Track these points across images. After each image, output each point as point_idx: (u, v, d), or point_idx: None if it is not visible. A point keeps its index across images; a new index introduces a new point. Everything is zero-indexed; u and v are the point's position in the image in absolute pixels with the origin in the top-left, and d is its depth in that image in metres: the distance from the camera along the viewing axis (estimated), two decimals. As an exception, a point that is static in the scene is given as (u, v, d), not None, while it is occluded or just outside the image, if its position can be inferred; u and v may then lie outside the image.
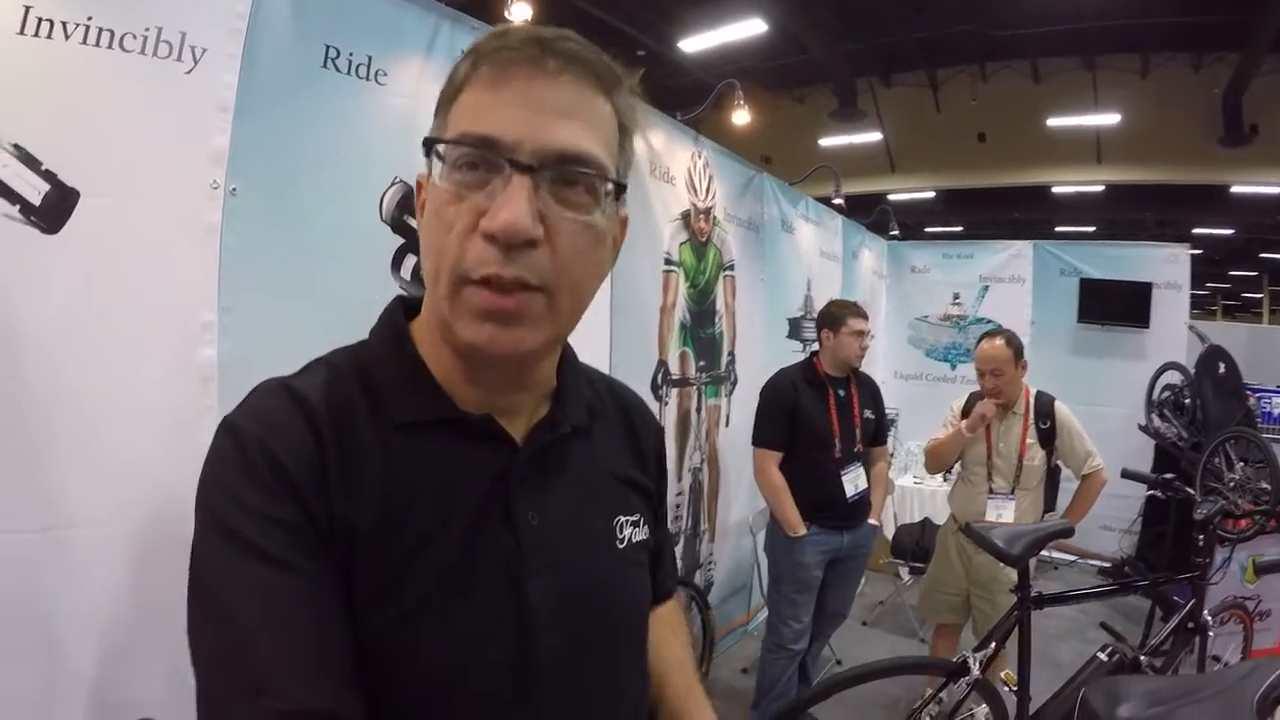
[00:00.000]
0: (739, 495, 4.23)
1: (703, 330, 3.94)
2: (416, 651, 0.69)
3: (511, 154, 0.66)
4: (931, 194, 16.15)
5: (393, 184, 2.14)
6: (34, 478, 1.53)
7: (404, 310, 0.83)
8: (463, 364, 0.76)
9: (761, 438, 3.34)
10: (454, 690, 0.71)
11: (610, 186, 0.72)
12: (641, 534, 0.89)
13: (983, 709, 3.09)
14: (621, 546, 0.86)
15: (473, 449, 0.76)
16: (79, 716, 1.57)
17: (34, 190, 1.53)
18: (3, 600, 1.48)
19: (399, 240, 2.16)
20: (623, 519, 0.87)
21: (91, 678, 1.59)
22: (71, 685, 1.56)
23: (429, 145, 0.71)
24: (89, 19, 1.58)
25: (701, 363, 3.93)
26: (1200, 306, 24.61)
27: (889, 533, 5.14)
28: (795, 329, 4.95)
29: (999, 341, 3.29)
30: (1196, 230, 16.72)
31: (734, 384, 4.23)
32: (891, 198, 13.14)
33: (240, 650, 0.62)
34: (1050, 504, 3.43)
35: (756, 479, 3.40)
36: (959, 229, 18.21)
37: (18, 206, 1.51)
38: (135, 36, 1.64)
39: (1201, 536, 2.74)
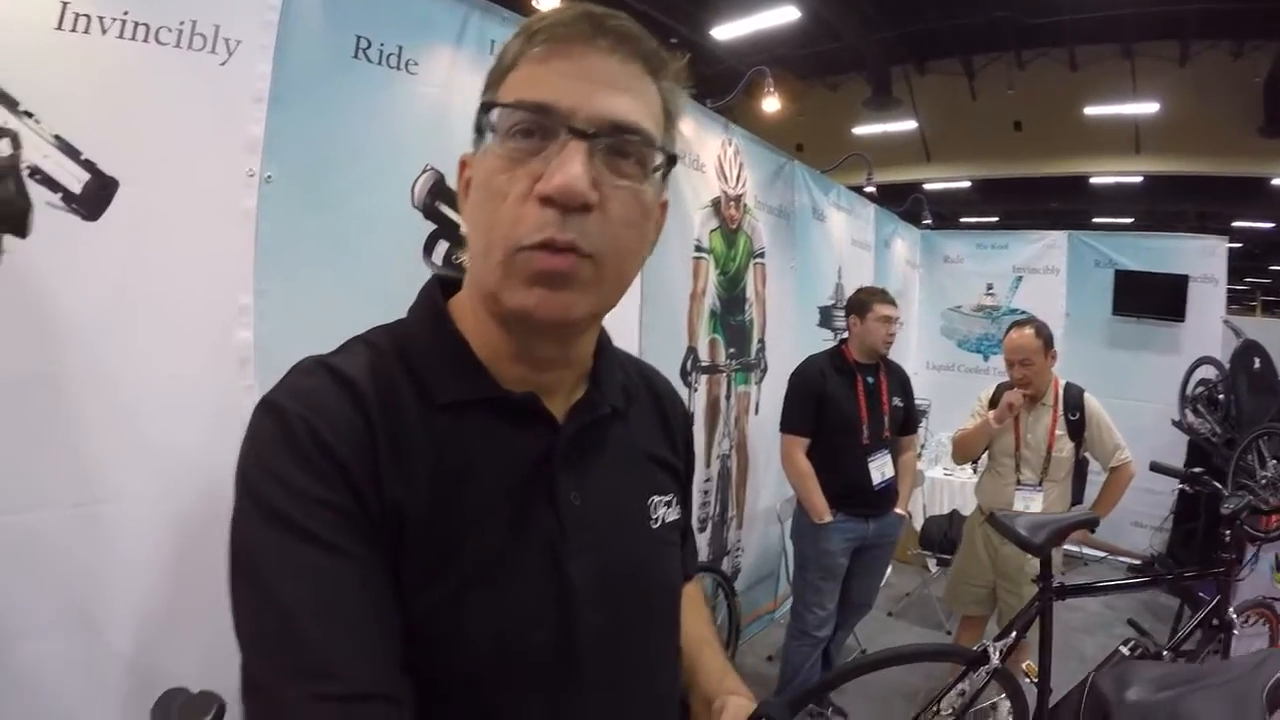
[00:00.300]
0: (767, 482, 4.24)
1: (733, 317, 3.94)
2: (464, 632, 0.70)
3: (568, 120, 0.67)
4: (967, 183, 15.95)
5: (424, 171, 2.17)
6: (72, 457, 1.58)
7: (441, 289, 0.84)
8: (507, 338, 0.76)
9: (789, 424, 3.35)
10: (500, 670, 0.72)
11: (660, 159, 0.73)
12: (674, 514, 0.91)
13: (1005, 703, 3.09)
14: (656, 526, 0.88)
15: (516, 428, 0.77)
16: (110, 683, 1.63)
17: (75, 179, 1.59)
18: (39, 572, 1.55)
19: (430, 226, 2.20)
20: (656, 499, 0.89)
21: (127, 650, 1.65)
22: (101, 654, 1.62)
23: (486, 108, 0.72)
24: (125, 13, 1.63)
25: (731, 350, 3.94)
26: (1239, 301, 23.99)
27: (917, 524, 5.13)
28: (826, 317, 4.94)
29: (1028, 331, 3.26)
30: (1236, 223, 16.35)
31: (764, 371, 4.24)
32: (927, 187, 13.03)
33: (290, 633, 0.62)
34: (1078, 497, 3.40)
35: (784, 465, 3.41)
36: (995, 219, 17.99)
37: (59, 195, 1.57)
38: (170, 30, 1.69)
39: (1228, 532, 2.71)
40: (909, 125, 14.33)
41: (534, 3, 2.48)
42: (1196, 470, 3.29)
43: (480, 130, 0.73)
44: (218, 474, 1.76)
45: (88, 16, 1.58)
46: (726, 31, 10.75)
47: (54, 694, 1.56)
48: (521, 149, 0.69)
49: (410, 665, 0.66)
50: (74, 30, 1.57)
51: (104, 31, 1.61)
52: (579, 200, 0.66)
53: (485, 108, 0.72)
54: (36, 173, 1.54)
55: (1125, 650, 2.54)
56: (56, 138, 1.56)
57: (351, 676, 0.61)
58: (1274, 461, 3.99)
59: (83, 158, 1.59)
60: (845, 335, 3.51)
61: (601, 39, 0.70)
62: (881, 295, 3.36)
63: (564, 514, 0.76)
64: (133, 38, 1.64)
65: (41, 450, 1.55)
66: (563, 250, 0.67)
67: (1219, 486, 3.02)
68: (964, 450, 3.53)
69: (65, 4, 1.56)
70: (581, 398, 0.83)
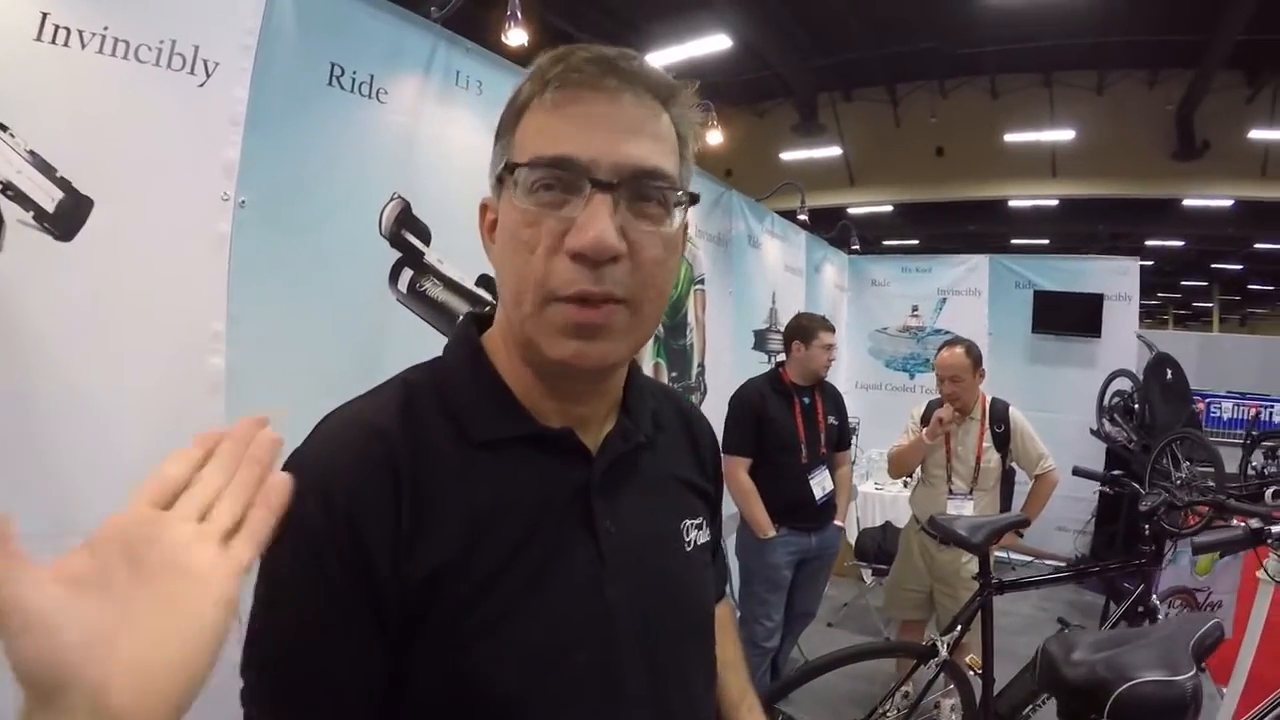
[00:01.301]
0: (709, 501, 4.31)
1: (675, 342, 4.03)
2: (506, 655, 0.72)
3: (590, 173, 0.69)
4: (890, 208, 16.37)
5: (391, 199, 2.19)
6: (42, 483, 1.53)
7: (476, 325, 0.86)
8: (541, 380, 0.79)
9: (731, 445, 3.44)
10: (543, 691, 0.73)
11: (682, 196, 0.75)
12: (705, 536, 0.93)
13: (949, 701, 3.23)
14: (690, 549, 0.90)
15: (552, 461, 0.79)
16: None
17: (49, 197, 1.55)
18: None
19: (396, 254, 2.21)
20: (688, 522, 0.91)
21: None
22: None
23: (510, 169, 0.72)
24: (105, 29, 1.60)
25: (674, 373, 4.02)
26: (1152, 316, 25.25)
27: (851, 537, 5.26)
28: (761, 340, 5.07)
29: (959, 350, 3.45)
30: (1149, 242, 17.20)
31: (704, 394, 4.31)
32: (850, 211, 13.33)
33: (276, 669, 0.71)
34: (1006, 504, 3.61)
35: (727, 484, 3.43)
36: (915, 242, 18.51)
37: (32, 213, 1.53)
38: (150, 48, 1.66)
39: (1147, 526, 2.91)
40: (834, 151, 14.72)
41: (504, 36, 2.52)
42: (1116, 473, 3.51)
43: (501, 182, 0.75)
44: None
45: (67, 29, 1.55)
46: (659, 59, 10.89)
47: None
48: (544, 203, 0.70)
49: (448, 696, 0.71)
50: (53, 43, 1.54)
51: (83, 46, 1.58)
52: (609, 254, 0.68)
53: (509, 168, 0.72)
54: (9, 189, 1.50)
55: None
56: (31, 153, 1.52)
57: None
58: (1187, 464, 4.25)
59: (58, 175, 1.55)
60: (782, 358, 3.63)
61: (610, 79, 0.71)
62: (823, 323, 3.52)
63: (602, 542, 0.79)
64: (112, 54, 1.61)
65: (8, 471, 1.49)
66: (598, 301, 0.70)
67: (1137, 487, 3.24)
68: (899, 465, 3.69)
69: (45, 14, 1.52)
70: (614, 429, 0.85)
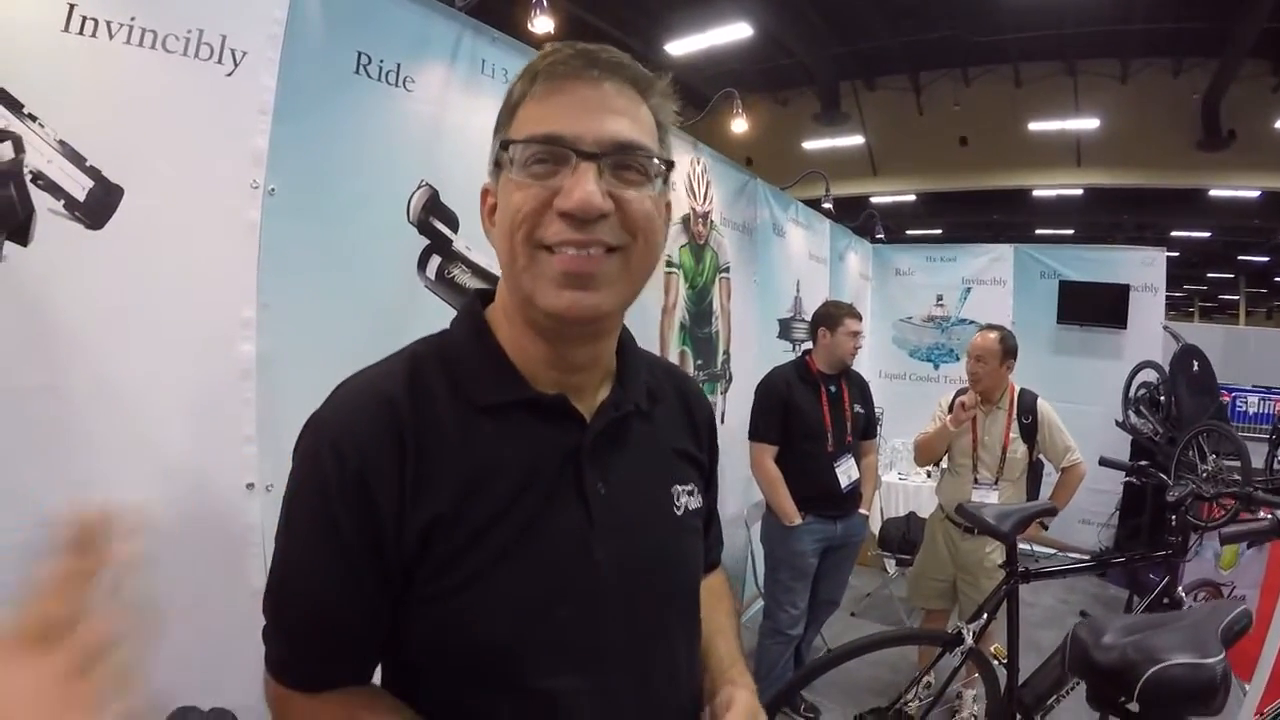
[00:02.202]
0: (734, 490, 4.31)
1: (700, 330, 4.03)
2: (490, 604, 0.79)
3: (576, 145, 0.76)
4: (913, 197, 16.33)
5: (419, 187, 2.20)
6: (74, 472, 1.54)
7: (481, 301, 0.93)
8: (540, 344, 0.85)
9: (758, 432, 3.45)
10: (526, 642, 0.80)
11: (660, 165, 0.82)
12: (696, 502, 0.98)
13: (971, 691, 3.22)
14: (680, 514, 0.95)
15: (547, 426, 0.85)
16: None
17: (79, 186, 1.55)
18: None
19: (424, 241, 2.22)
20: (679, 488, 0.96)
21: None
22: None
23: (504, 146, 0.80)
24: (132, 19, 1.60)
25: (699, 361, 4.02)
26: (1177, 308, 24.96)
27: (875, 527, 5.25)
28: (785, 329, 5.07)
29: (993, 335, 3.46)
30: (1174, 233, 17.01)
31: (729, 382, 4.33)
32: (873, 200, 13.31)
33: (283, 591, 0.84)
34: (1034, 496, 3.57)
35: (753, 471, 3.51)
36: (939, 231, 18.41)
37: (63, 202, 1.53)
38: (178, 38, 1.67)
39: (1174, 517, 2.89)
40: (857, 140, 14.67)
41: (530, 24, 2.52)
42: (1143, 463, 3.48)
43: (499, 164, 0.82)
44: (217, 488, 1.74)
45: (95, 20, 1.56)
46: (680, 47, 10.89)
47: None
48: (538, 174, 0.78)
49: (442, 642, 0.80)
50: (80, 33, 1.54)
51: (111, 36, 1.58)
52: (595, 212, 0.76)
53: (504, 145, 0.80)
54: (40, 178, 1.50)
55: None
56: (61, 143, 1.52)
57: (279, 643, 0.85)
58: (1213, 456, 4.21)
59: (88, 164, 1.56)
60: (808, 346, 3.62)
61: (593, 70, 0.79)
62: (850, 310, 3.49)
63: (591, 502, 0.84)
64: (140, 44, 1.62)
65: (42, 464, 1.50)
66: (589, 248, 0.77)
67: (1164, 477, 3.20)
68: (926, 453, 3.67)
69: (72, 6, 1.53)
70: (607, 397, 0.91)
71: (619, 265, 0.79)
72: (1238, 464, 4.21)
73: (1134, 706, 1.79)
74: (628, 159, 0.79)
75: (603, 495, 0.86)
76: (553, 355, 0.85)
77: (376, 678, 0.90)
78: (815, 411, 3.41)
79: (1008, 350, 3.43)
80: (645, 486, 0.93)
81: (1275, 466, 5.01)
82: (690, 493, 0.97)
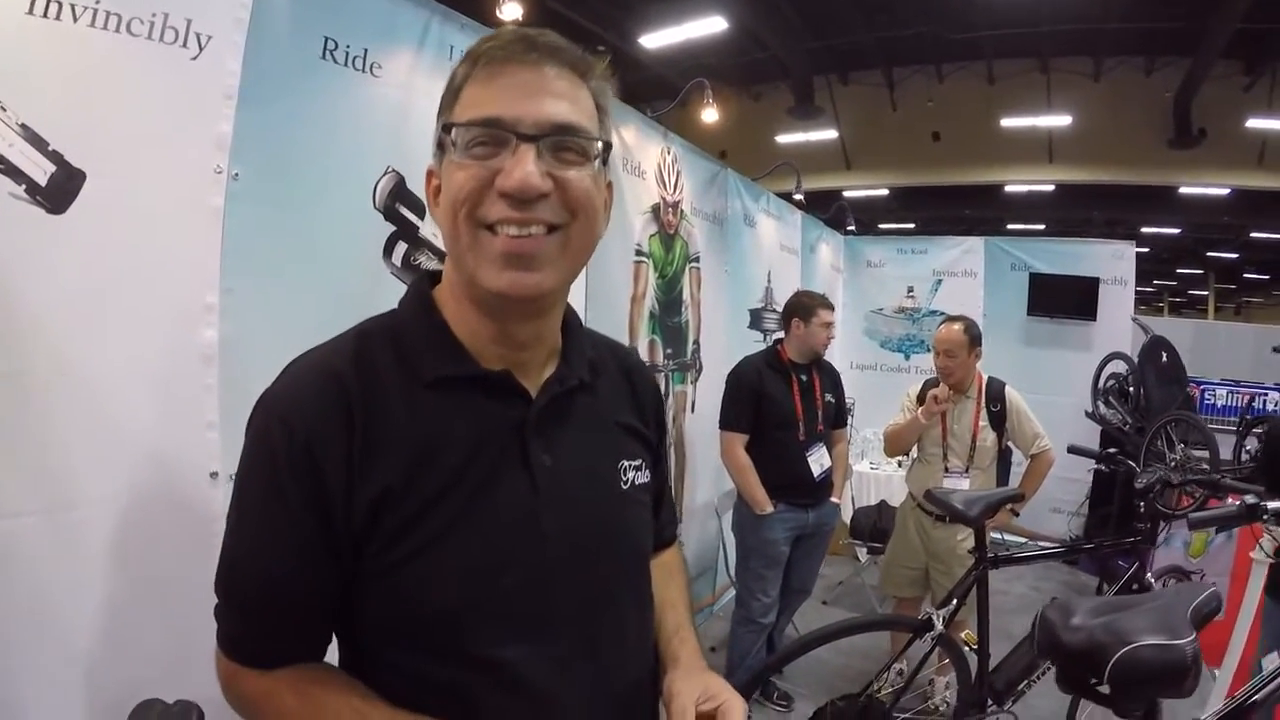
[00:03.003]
0: (704, 479, 4.34)
1: (670, 319, 4.05)
2: (438, 572, 0.81)
3: (515, 128, 0.78)
4: (885, 191, 16.38)
5: (385, 173, 2.19)
6: (36, 459, 1.53)
7: (430, 282, 0.95)
8: (485, 321, 0.87)
9: (729, 421, 3.46)
10: (474, 610, 0.82)
11: (599, 146, 0.84)
12: (643, 477, 1.00)
13: (943, 678, 3.26)
14: (626, 487, 0.97)
15: (493, 402, 0.87)
16: (80, 698, 1.58)
17: (40, 170, 1.53)
18: (6, 584, 1.48)
19: (390, 228, 2.21)
20: (626, 463, 0.98)
21: (91, 659, 1.60)
22: (71, 668, 1.57)
23: (446, 128, 0.82)
24: (97, 2, 1.57)
25: (669, 350, 4.04)
26: (1147, 303, 25.28)
27: (846, 516, 5.28)
28: (756, 319, 5.10)
29: (957, 327, 3.47)
30: (1145, 229, 17.20)
31: (699, 371, 4.34)
32: (846, 194, 13.33)
33: (234, 567, 0.86)
34: (1003, 484, 3.61)
35: (724, 460, 3.52)
36: (911, 226, 18.51)
37: (24, 186, 1.51)
38: (142, 21, 1.64)
39: (1143, 504, 2.94)
40: (830, 134, 14.73)
41: (498, 11, 2.51)
42: (1111, 450, 3.54)
43: (442, 147, 0.84)
44: (180, 475, 1.73)
45: (59, 3, 1.52)
46: (655, 40, 10.89)
47: (23, 711, 1.50)
48: (479, 156, 0.79)
49: (392, 614, 0.82)
50: (44, 16, 1.51)
51: (75, 19, 1.54)
52: (534, 192, 0.77)
53: (446, 128, 0.82)
54: (1, 162, 1.48)
55: (1051, 611, 2.75)
56: (23, 126, 1.49)
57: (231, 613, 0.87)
58: (1181, 445, 4.28)
59: (50, 148, 1.53)
60: (779, 336, 3.64)
61: (532, 54, 0.80)
62: (823, 301, 3.52)
63: (537, 474, 0.86)
64: (104, 27, 1.58)
65: (6, 454, 1.49)
66: (528, 227, 0.79)
67: (1133, 465, 3.26)
68: (896, 444, 3.70)
69: None
70: (552, 374, 0.93)
71: (559, 244, 0.81)
72: (1206, 454, 4.28)
73: (1104, 688, 1.79)
74: (566, 140, 0.80)
75: (548, 467, 0.87)
76: (498, 332, 0.87)
77: (332, 656, 0.91)
78: (787, 400, 3.43)
79: (974, 339, 3.47)
80: (591, 459, 0.95)
81: (1243, 457, 5.11)
82: (638, 468, 1.00)
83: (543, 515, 0.86)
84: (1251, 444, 5.35)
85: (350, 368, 0.83)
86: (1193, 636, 1.74)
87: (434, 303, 0.91)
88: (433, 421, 0.84)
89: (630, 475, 0.98)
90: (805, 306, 3.46)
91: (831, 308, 3.53)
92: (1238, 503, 2.22)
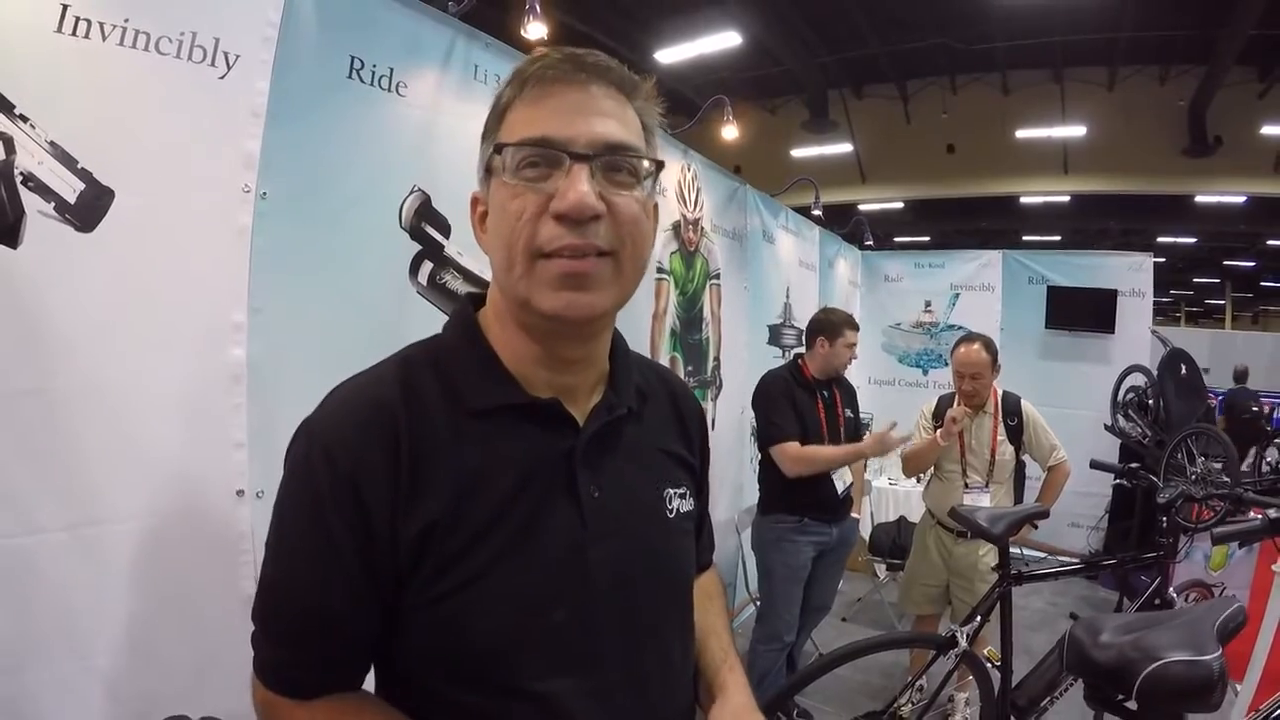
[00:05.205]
0: (724, 496, 4.31)
1: (690, 336, 4.04)
2: (486, 608, 0.79)
3: (568, 147, 0.77)
4: (901, 204, 16.39)
5: (411, 192, 2.19)
6: (63, 475, 1.53)
7: (472, 305, 0.93)
8: (532, 345, 0.85)
9: (780, 431, 3.31)
10: (522, 644, 0.80)
11: (649, 165, 0.83)
12: (688, 505, 0.99)
13: (963, 695, 3.22)
14: (671, 516, 0.96)
15: (540, 430, 0.85)
16: (104, 713, 1.57)
17: (70, 188, 1.54)
18: (32, 600, 1.48)
19: (416, 247, 2.21)
20: (671, 491, 0.96)
21: (115, 674, 1.59)
22: (96, 682, 1.57)
23: (497, 150, 0.80)
24: (125, 20, 1.58)
25: (689, 367, 4.03)
26: (1164, 313, 25.17)
27: (865, 532, 5.25)
28: (775, 335, 5.08)
29: (976, 346, 3.42)
30: (1161, 239, 17.14)
31: (719, 388, 4.33)
32: (862, 208, 13.35)
33: (272, 609, 0.84)
34: (1019, 498, 3.57)
35: (795, 469, 3.28)
36: (927, 239, 18.50)
37: (53, 204, 1.52)
38: (171, 40, 1.65)
39: (1164, 519, 2.90)
40: (845, 148, 14.75)
41: (522, 30, 2.52)
42: (1133, 465, 3.50)
43: (489, 170, 0.83)
44: (206, 493, 1.74)
45: (88, 21, 1.54)
46: (669, 55, 10.93)
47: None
48: (529, 178, 0.78)
49: (437, 646, 0.80)
50: (74, 34, 1.53)
51: (104, 38, 1.56)
52: (590, 212, 0.76)
53: (497, 149, 0.81)
54: (30, 180, 1.49)
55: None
56: (52, 144, 1.51)
57: (272, 642, 0.85)
58: (1202, 459, 4.23)
59: (79, 166, 1.54)
60: (798, 351, 3.61)
61: (580, 74, 0.80)
62: (849, 321, 3.48)
63: (585, 506, 0.85)
64: (133, 46, 1.60)
65: (32, 470, 1.49)
66: (584, 254, 0.77)
67: (1154, 479, 3.22)
68: (915, 465, 3.66)
69: (65, 6, 1.51)
70: (600, 400, 0.91)
71: (611, 268, 0.80)
72: (1221, 466, 4.23)
73: (1132, 704, 1.80)
74: (619, 160, 0.80)
75: (596, 498, 0.86)
76: (545, 355, 0.86)
77: (369, 684, 0.90)
78: (813, 415, 3.40)
79: (994, 357, 3.44)
80: (638, 489, 0.93)
81: (1264, 469, 5.05)
82: (682, 495, 0.98)
83: (590, 549, 0.84)
84: (1272, 455, 5.30)
85: (397, 397, 0.82)
86: (1219, 652, 1.75)
87: (479, 328, 0.90)
88: (480, 452, 0.82)
89: (675, 504, 0.96)
90: (832, 325, 3.43)
91: (857, 328, 3.50)
92: (1260, 516, 2.21)
